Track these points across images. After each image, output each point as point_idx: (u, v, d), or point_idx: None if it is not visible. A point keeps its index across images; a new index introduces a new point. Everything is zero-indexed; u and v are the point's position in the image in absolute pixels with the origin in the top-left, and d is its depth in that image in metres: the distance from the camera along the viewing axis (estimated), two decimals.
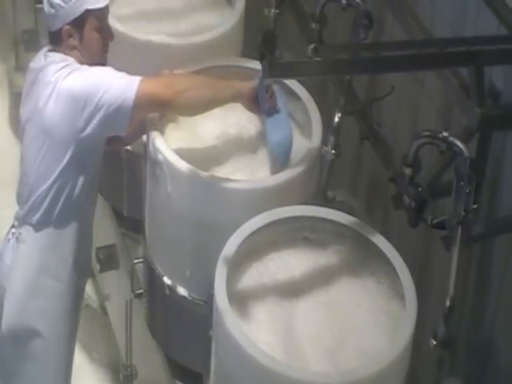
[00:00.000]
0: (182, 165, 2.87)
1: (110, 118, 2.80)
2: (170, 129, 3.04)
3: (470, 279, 2.84)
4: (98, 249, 3.53)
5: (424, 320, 2.78)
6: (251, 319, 2.64)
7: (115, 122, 2.81)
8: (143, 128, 2.96)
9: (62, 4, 2.86)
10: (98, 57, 2.92)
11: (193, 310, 3.07)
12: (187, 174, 2.87)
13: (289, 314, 2.65)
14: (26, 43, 4.58)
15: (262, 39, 2.16)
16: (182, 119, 3.04)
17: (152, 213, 3.09)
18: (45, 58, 2.90)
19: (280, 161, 2.89)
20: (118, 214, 3.64)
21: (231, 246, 2.70)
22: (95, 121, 2.79)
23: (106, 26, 2.93)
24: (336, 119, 3.11)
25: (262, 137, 2.97)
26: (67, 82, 2.80)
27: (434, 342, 2.42)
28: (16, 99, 4.71)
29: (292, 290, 2.72)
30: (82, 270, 3.09)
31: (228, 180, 2.88)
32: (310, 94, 3.14)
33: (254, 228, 2.75)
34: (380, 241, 2.75)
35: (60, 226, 2.95)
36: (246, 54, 3.34)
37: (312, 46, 2.14)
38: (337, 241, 2.83)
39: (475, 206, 2.42)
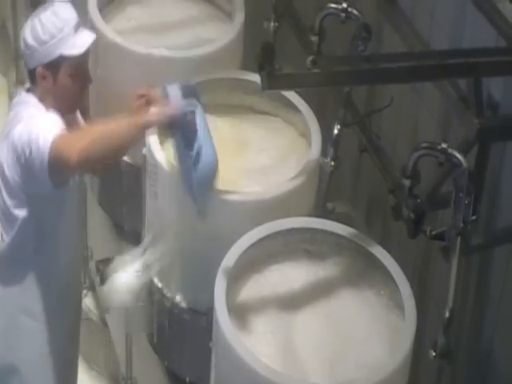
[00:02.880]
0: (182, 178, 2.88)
1: (34, 174, 2.75)
2: (171, 143, 3.04)
3: (469, 290, 2.84)
4: (98, 262, 3.53)
5: (423, 331, 2.78)
6: (251, 331, 2.64)
7: (37, 179, 2.75)
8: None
9: (36, 46, 2.77)
10: (71, 101, 2.84)
11: (192, 322, 3.07)
12: None
13: (288, 325, 2.65)
14: None
15: (261, 51, 2.17)
16: None
17: (151, 225, 3.10)
18: (19, 96, 2.87)
19: (200, 190, 2.72)
20: (117, 227, 3.65)
21: (231, 258, 2.71)
22: (26, 173, 2.76)
23: (82, 72, 2.82)
24: (335, 131, 3.12)
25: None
26: (12, 132, 2.77)
27: (434, 353, 2.42)
28: None
29: (292, 302, 2.72)
30: (68, 308, 3.04)
31: (227, 192, 2.89)
32: (310, 106, 3.15)
33: (254, 240, 2.75)
34: (379, 252, 2.75)
35: (36, 266, 2.90)
36: (245, 67, 3.36)
37: (310, 57, 2.15)
38: (336, 252, 2.83)
39: (474, 217, 2.43)
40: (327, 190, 3.19)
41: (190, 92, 2.71)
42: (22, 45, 2.82)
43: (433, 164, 2.53)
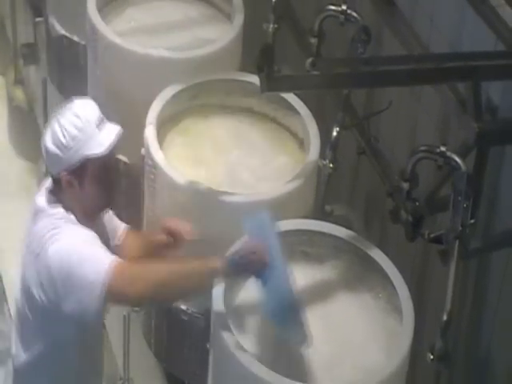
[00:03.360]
0: (180, 178, 2.88)
1: (81, 301, 2.49)
2: (169, 144, 3.04)
3: (467, 294, 2.83)
4: None
5: (421, 334, 2.77)
6: (248, 333, 2.63)
7: (86, 306, 2.50)
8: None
9: (58, 152, 2.53)
10: (101, 205, 2.62)
11: (190, 323, 3.06)
12: (184, 186, 2.87)
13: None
14: (25, 57, 4.58)
15: (260, 53, 2.17)
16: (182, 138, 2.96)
17: (150, 225, 3.09)
18: (45, 200, 2.59)
19: (277, 323, 2.49)
20: None
21: None
22: (69, 299, 2.49)
23: (110, 172, 2.57)
24: (334, 133, 3.12)
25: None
26: (48, 253, 2.51)
27: (431, 356, 2.41)
28: (15, 112, 4.72)
29: None
30: None
31: (226, 193, 2.89)
32: (308, 108, 3.15)
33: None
34: (378, 255, 2.75)
35: None
36: (244, 69, 3.36)
37: (310, 59, 2.14)
38: (334, 255, 2.83)
39: (472, 221, 2.42)
40: (325, 192, 3.18)
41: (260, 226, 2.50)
42: (43, 152, 2.57)
43: (431, 167, 2.53)
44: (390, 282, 2.69)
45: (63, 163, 2.54)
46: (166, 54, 3.27)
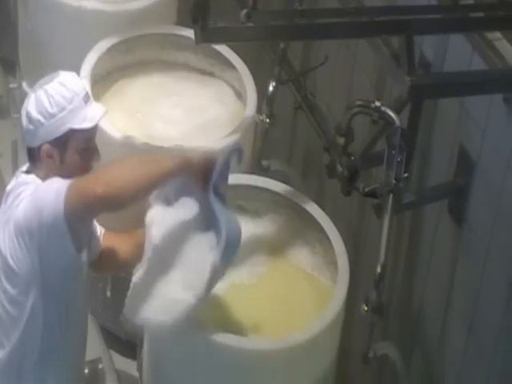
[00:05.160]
0: (116, 133, 2.84)
1: (52, 240, 2.40)
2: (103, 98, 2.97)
3: (400, 247, 2.88)
4: None
5: (357, 287, 2.82)
6: None
7: (57, 244, 2.41)
8: (138, 252, 2.55)
9: (43, 120, 2.44)
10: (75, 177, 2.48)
11: (128, 278, 3.06)
12: (120, 140, 2.84)
13: (225, 283, 2.66)
14: None
15: (195, 4, 2.14)
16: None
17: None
18: (15, 180, 2.53)
19: (229, 253, 2.45)
20: None
21: None
22: (44, 248, 2.40)
23: (91, 147, 2.51)
24: (270, 88, 3.11)
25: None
26: (15, 215, 2.43)
27: (366, 308, 2.45)
28: None
29: None
30: None
31: (162, 148, 2.88)
32: (245, 63, 3.14)
33: None
34: (314, 210, 2.77)
35: (41, 371, 2.54)
36: (181, 23, 3.32)
37: (244, 11, 2.13)
38: (272, 210, 2.84)
39: (406, 175, 2.45)
40: (262, 147, 3.19)
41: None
42: (23, 121, 2.48)
43: (367, 122, 2.55)
44: (327, 236, 2.72)
45: (45, 133, 2.46)
46: (99, 6, 3.22)
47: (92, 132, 2.50)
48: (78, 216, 2.41)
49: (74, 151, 2.47)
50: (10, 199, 2.49)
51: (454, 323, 2.67)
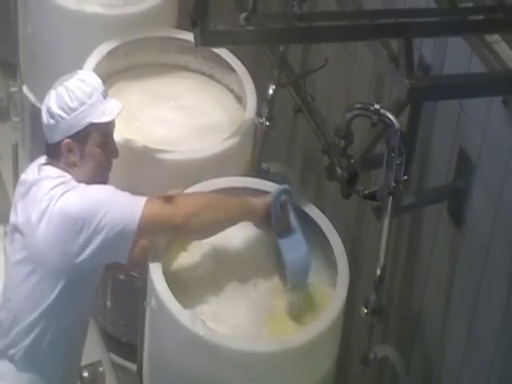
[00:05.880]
0: (115, 135, 2.84)
1: (110, 244, 2.46)
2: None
3: (400, 249, 2.89)
4: None
5: (357, 289, 2.82)
6: (186, 289, 2.64)
7: (115, 248, 2.48)
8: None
9: (64, 115, 2.51)
10: (98, 175, 2.56)
11: (127, 282, 3.06)
12: (120, 143, 2.85)
13: (222, 284, 2.66)
14: None
15: (195, 7, 2.15)
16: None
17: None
18: (39, 172, 2.55)
19: (295, 280, 2.60)
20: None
21: None
22: (92, 246, 2.45)
23: (110, 142, 2.58)
24: (270, 91, 3.12)
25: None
26: (62, 202, 2.46)
27: (366, 310, 2.45)
28: None
29: (225, 262, 2.73)
30: None
31: (162, 151, 2.88)
32: (245, 66, 3.15)
33: None
34: (314, 212, 2.78)
35: (45, 364, 2.58)
36: (180, 26, 3.33)
37: (244, 14, 2.14)
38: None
39: (405, 177, 2.46)
40: (262, 149, 3.19)
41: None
42: (44, 116, 2.54)
43: (366, 125, 2.56)
44: (326, 238, 2.73)
45: (66, 128, 2.52)
46: (99, 10, 3.23)
47: (111, 126, 2.58)
48: (148, 234, 2.51)
49: (94, 145, 2.54)
50: (44, 187, 2.49)
51: (454, 324, 2.67)
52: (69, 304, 2.53)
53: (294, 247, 2.62)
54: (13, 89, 3.79)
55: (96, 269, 2.56)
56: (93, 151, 2.54)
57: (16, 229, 2.56)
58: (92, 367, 3.02)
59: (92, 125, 2.52)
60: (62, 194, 2.47)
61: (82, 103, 2.52)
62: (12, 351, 2.58)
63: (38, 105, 3.35)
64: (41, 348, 2.56)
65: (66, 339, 2.59)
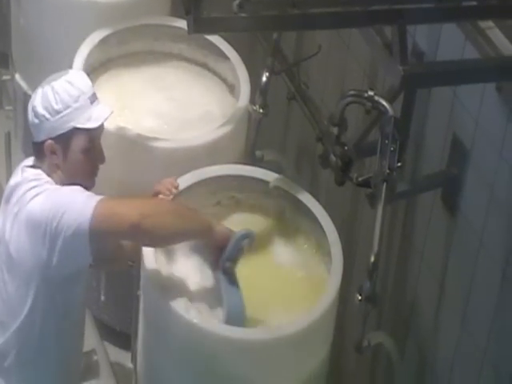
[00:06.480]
0: (109, 124, 2.84)
1: (69, 244, 2.39)
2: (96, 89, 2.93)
3: (394, 236, 2.89)
4: None
5: (351, 276, 2.82)
6: (180, 278, 2.65)
7: (75, 249, 2.40)
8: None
9: (47, 116, 2.46)
10: (82, 179, 2.50)
11: (122, 271, 3.07)
12: (113, 132, 2.84)
13: (216, 272, 2.66)
14: None
15: None
16: None
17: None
18: (21, 174, 2.51)
19: (231, 320, 2.54)
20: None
21: None
22: (58, 248, 2.39)
23: (96, 148, 2.51)
24: (264, 79, 3.11)
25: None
26: (29, 207, 2.41)
27: (360, 297, 2.46)
28: None
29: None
30: None
31: (155, 139, 2.88)
32: (238, 53, 3.14)
33: (182, 187, 2.75)
34: (308, 200, 2.78)
35: (36, 371, 2.55)
36: (174, 14, 3.32)
37: (237, 1, 2.14)
38: (265, 200, 2.84)
39: (399, 164, 2.45)
40: (256, 137, 3.19)
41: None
42: (29, 115, 2.50)
43: (360, 112, 2.55)
44: (320, 226, 2.73)
45: (49, 129, 2.47)
46: None
47: (96, 133, 2.51)
48: (102, 233, 2.40)
49: (77, 150, 2.48)
50: (19, 192, 2.47)
51: (448, 312, 2.68)
52: (51, 309, 2.48)
53: (234, 291, 2.55)
54: (5, 77, 3.78)
55: (70, 273, 2.47)
56: (75, 156, 2.48)
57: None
58: (86, 356, 3.02)
59: (76, 129, 2.47)
60: (31, 199, 2.43)
61: (67, 106, 2.46)
62: (4, 362, 2.54)
63: (30, 93, 3.32)
64: (29, 356, 2.52)
65: (56, 344, 2.54)
